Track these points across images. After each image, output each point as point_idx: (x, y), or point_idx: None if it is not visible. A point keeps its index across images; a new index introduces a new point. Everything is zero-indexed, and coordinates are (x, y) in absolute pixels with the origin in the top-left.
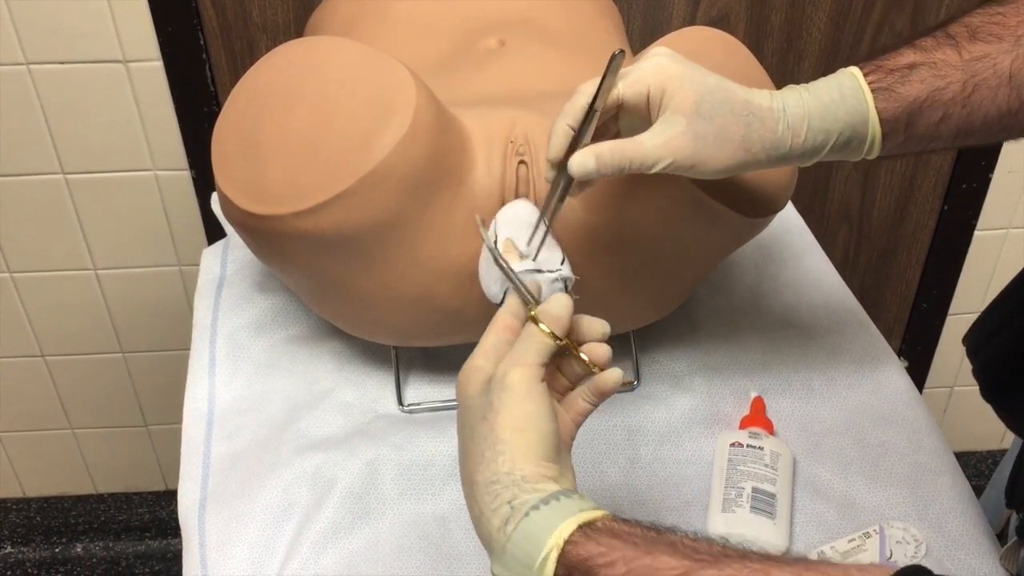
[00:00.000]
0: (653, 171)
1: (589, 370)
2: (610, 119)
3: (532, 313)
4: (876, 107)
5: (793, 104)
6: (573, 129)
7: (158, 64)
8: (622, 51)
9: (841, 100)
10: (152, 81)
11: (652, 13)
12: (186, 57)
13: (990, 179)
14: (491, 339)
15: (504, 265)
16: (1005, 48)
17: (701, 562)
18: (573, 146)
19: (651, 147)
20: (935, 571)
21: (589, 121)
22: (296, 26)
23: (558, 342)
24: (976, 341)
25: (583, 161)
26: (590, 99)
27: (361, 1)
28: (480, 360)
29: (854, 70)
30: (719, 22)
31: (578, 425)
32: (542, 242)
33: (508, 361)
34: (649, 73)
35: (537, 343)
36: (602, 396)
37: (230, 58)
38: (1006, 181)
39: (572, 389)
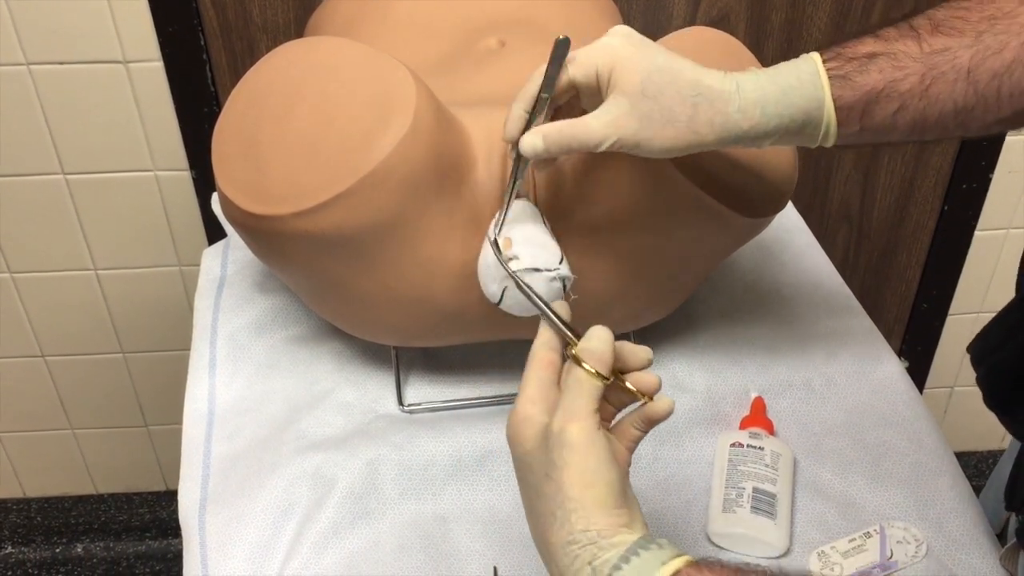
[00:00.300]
0: (599, 150)
1: (637, 399)
2: (574, 99)
3: (574, 352)
4: (832, 94)
5: (749, 87)
6: (528, 113)
7: (158, 64)
8: (567, 38)
9: (798, 86)
10: (152, 81)
11: (652, 13)
12: (186, 57)
13: (990, 179)
14: (533, 381)
15: (539, 301)
16: (966, 43)
17: None
18: (528, 128)
19: (596, 127)
20: (937, 570)
21: (540, 106)
22: (296, 26)
23: (605, 382)
24: (980, 352)
25: (532, 142)
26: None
27: (361, 1)
28: (528, 408)
29: (815, 56)
30: (719, 22)
31: (631, 451)
32: (503, 219)
33: (564, 416)
34: (597, 55)
35: (587, 389)
36: (652, 424)
37: (230, 58)
38: (1006, 181)
39: (616, 412)
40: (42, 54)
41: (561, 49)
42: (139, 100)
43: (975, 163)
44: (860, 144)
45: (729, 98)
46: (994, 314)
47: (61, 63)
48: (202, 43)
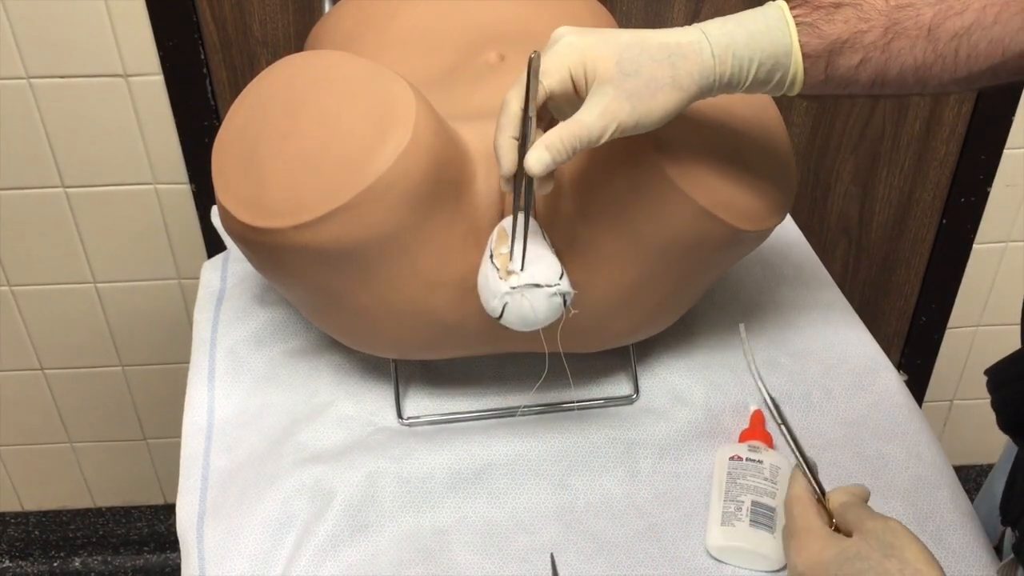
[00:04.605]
0: (602, 142)
1: None
2: (541, 108)
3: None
4: (800, 41)
5: (716, 33)
6: (516, 139)
7: (159, 78)
8: (537, 53)
9: (767, 30)
10: (153, 95)
11: (651, 24)
12: (187, 71)
13: (988, 193)
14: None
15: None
16: (930, 1)
17: None
18: (519, 152)
19: (591, 120)
20: None
21: (528, 126)
22: (296, 40)
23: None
24: (1001, 377)
25: (538, 157)
26: (521, 105)
27: (362, 16)
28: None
29: (781, 3)
30: None
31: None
32: (525, 248)
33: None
34: (564, 57)
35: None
36: None
37: (230, 72)
38: (1004, 195)
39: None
40: (43, 67)
41: (536, 64)
42: (139, 113)
43: (973, 177)
44: (822, 94)
45: (700, 47)
46: (993, 327)
47: (62, 76)
48: (202, 57)
